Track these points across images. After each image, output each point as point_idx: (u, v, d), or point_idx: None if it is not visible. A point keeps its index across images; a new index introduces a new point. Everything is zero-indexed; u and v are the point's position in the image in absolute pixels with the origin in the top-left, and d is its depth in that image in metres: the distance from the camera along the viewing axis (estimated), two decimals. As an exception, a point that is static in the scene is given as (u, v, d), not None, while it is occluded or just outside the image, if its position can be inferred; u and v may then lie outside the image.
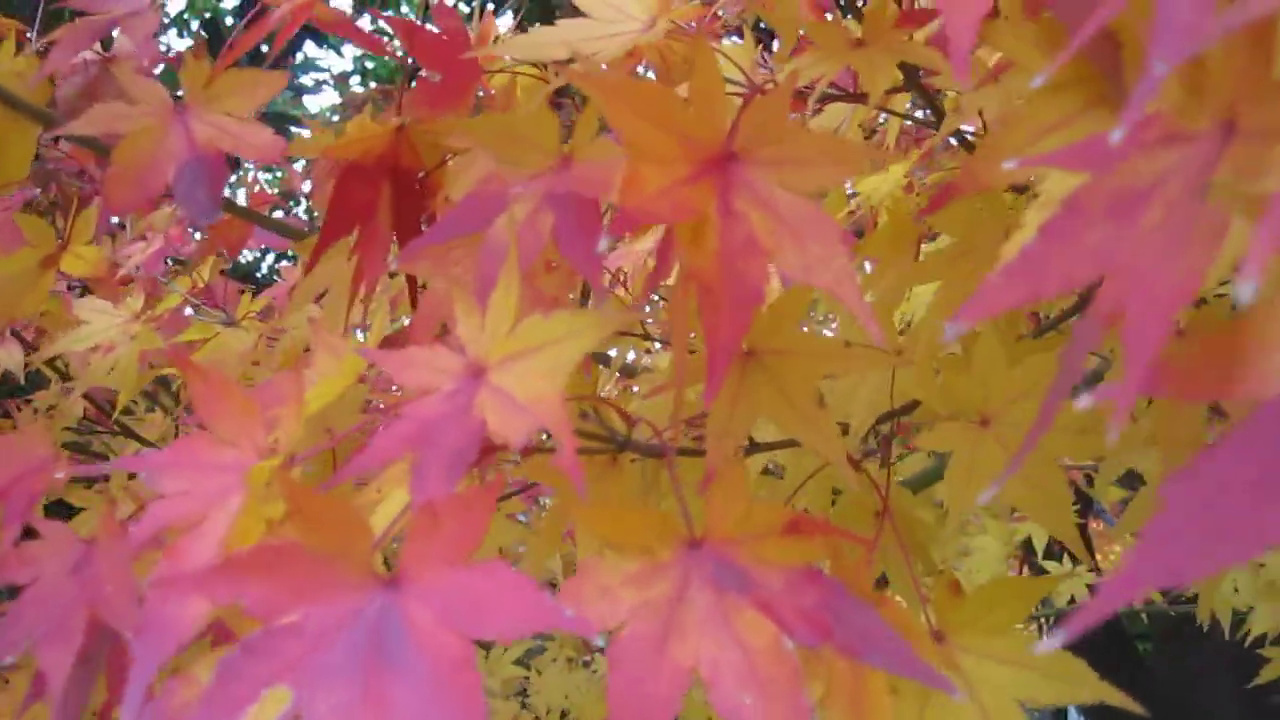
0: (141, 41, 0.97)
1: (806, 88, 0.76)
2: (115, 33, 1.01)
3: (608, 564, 0.52)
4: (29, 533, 0.78)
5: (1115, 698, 0.64)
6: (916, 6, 0.77)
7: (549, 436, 0.67)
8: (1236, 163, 0.35)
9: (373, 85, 6.62)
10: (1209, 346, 0.33)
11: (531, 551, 0.94)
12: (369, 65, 6.70)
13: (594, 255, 0.59)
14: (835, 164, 0.54)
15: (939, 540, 2.02)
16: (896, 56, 0.74)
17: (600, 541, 0.52)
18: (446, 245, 0.70)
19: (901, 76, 0.82)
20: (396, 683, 0.44)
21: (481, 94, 0.88)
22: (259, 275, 5.04)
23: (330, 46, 5.93)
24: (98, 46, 0.98)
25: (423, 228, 0.82)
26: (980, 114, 0.65)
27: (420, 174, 0.81)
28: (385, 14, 0.87)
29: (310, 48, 6.23)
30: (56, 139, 1.06)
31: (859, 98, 0.85)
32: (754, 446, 0.88)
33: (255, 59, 0.82)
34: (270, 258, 5.38)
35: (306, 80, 5.69)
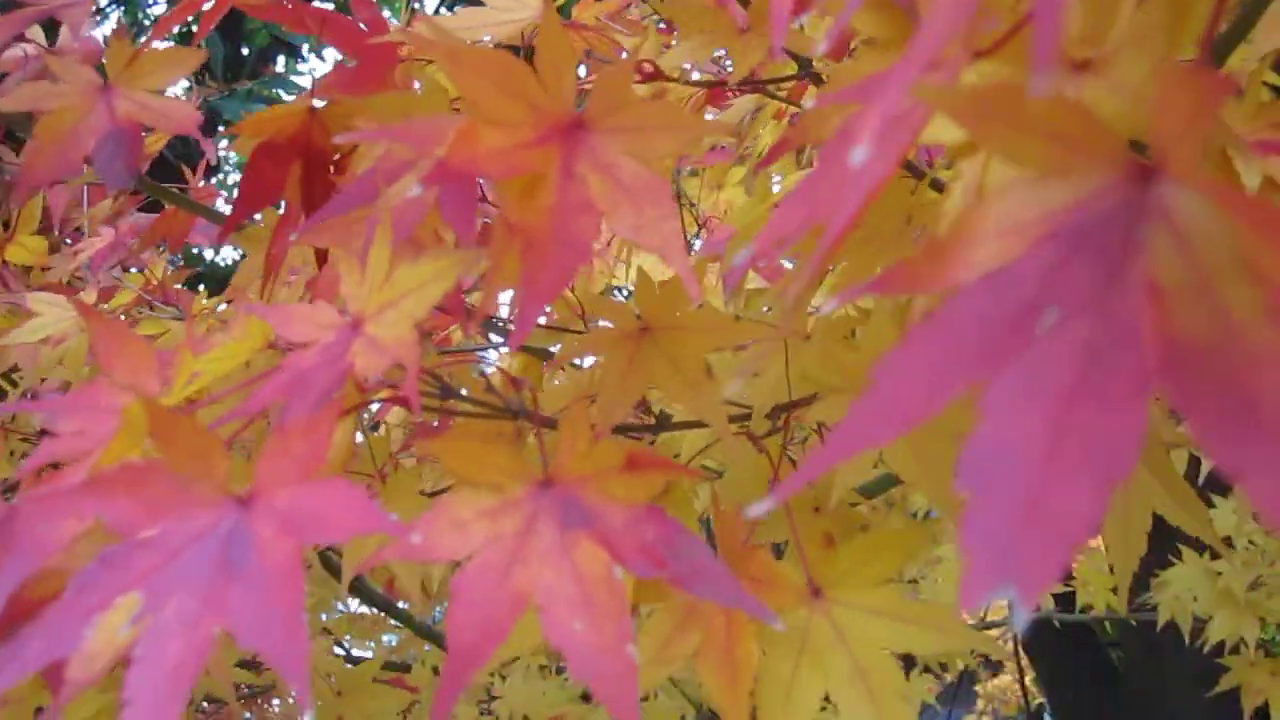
0: (76, 30, 1.01)
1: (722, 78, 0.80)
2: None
3: (462, 498, 0.55)
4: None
5: (988, 648, 0.66)
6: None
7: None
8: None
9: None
10: (928, 249, 0.36)
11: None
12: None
13: (469, 216, 0.63)
14: (679, 131, 0.57)
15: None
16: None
17: (455, 476, 0.55)
18: (349, 219, 0.73)
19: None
20: (236, 588, 0.47)
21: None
22: (225, 266, 5.09)
23: (307, 57, 6.00)
24: (42, 40, 1.02)
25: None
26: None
27: (336, 155, 0.84)
28: (313, 4, 0.91)
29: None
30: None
31: (761, 85, 0.89)
32: (663, 425, 0.91)
33: (233, 64, 0.86)
34: (235, 252, 5.43)
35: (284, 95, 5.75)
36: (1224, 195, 0.30)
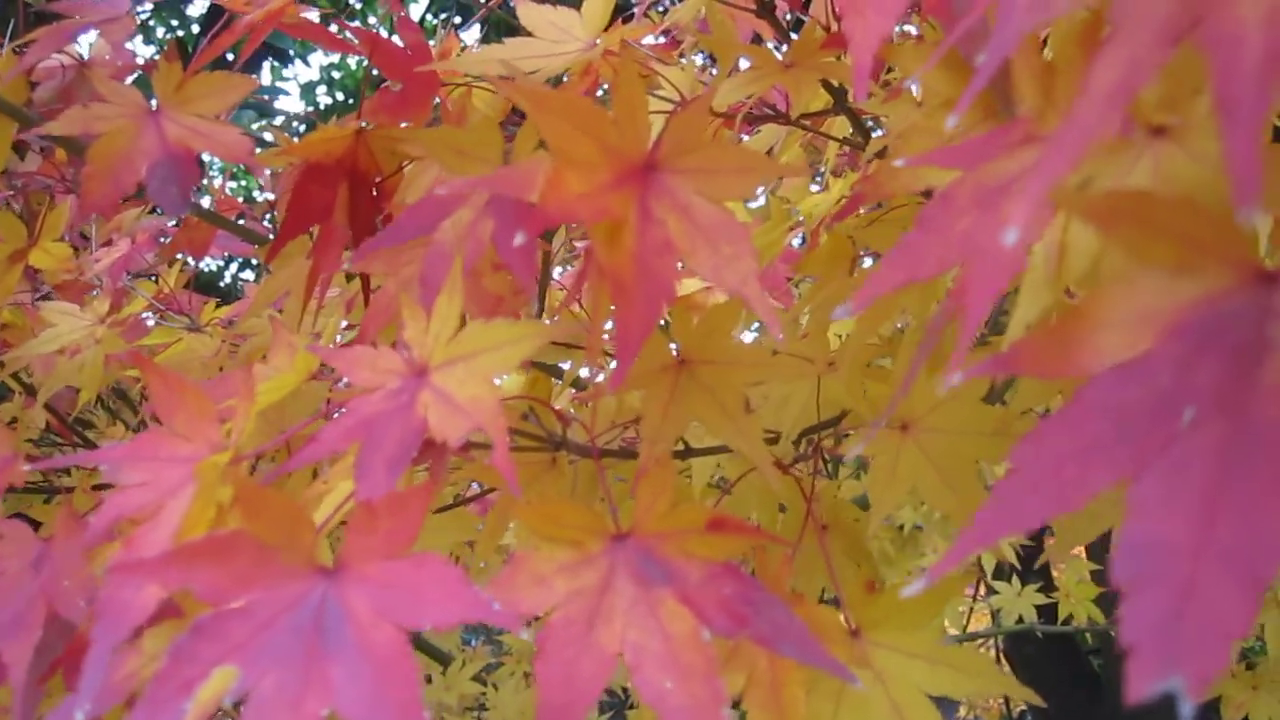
0: (117, 46, 1.01)
1: (739, 106, 0.80)
2: (92, 38, 1.05)
3: (541, 554, 0.55)
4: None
5: (1018, 692, 0.67)
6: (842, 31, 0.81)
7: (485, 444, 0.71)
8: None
9: (339, 96, 6.68)
10: (1052, 331, 0.37)
11: (478, 551, 0.97)
12: (335, 75, 6.76)
13: (530, 259, 0.63)
14: (749, 174, 0.58)
15: (891, 561, 2.06)
16: (821, 75, 0.78)
17: (534, 535, 0.56)
18: (399, 247, 0.73)
19: (831, 99, 0.87)
20: (336, 666, 0.47)
21: (439, 104, 0.91)
22: (222, 285, 5.07)
23: (296, 58, 5.99)
24: (75, 51, 1.01)
25: (378, 229, 0.85)
26: (889, 126, 0.69)
27: (377, 178, 0.84)
28: (352, 24, 0.91)
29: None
30: (27, 148, 1.09)
31: (789, 118, 0.89)
32: (690, 452, 0.92)
33: (218, 68, 0.85)
34: (234, 267, 5.43)
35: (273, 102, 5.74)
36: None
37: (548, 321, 1.07)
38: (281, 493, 0.52)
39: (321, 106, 6.68)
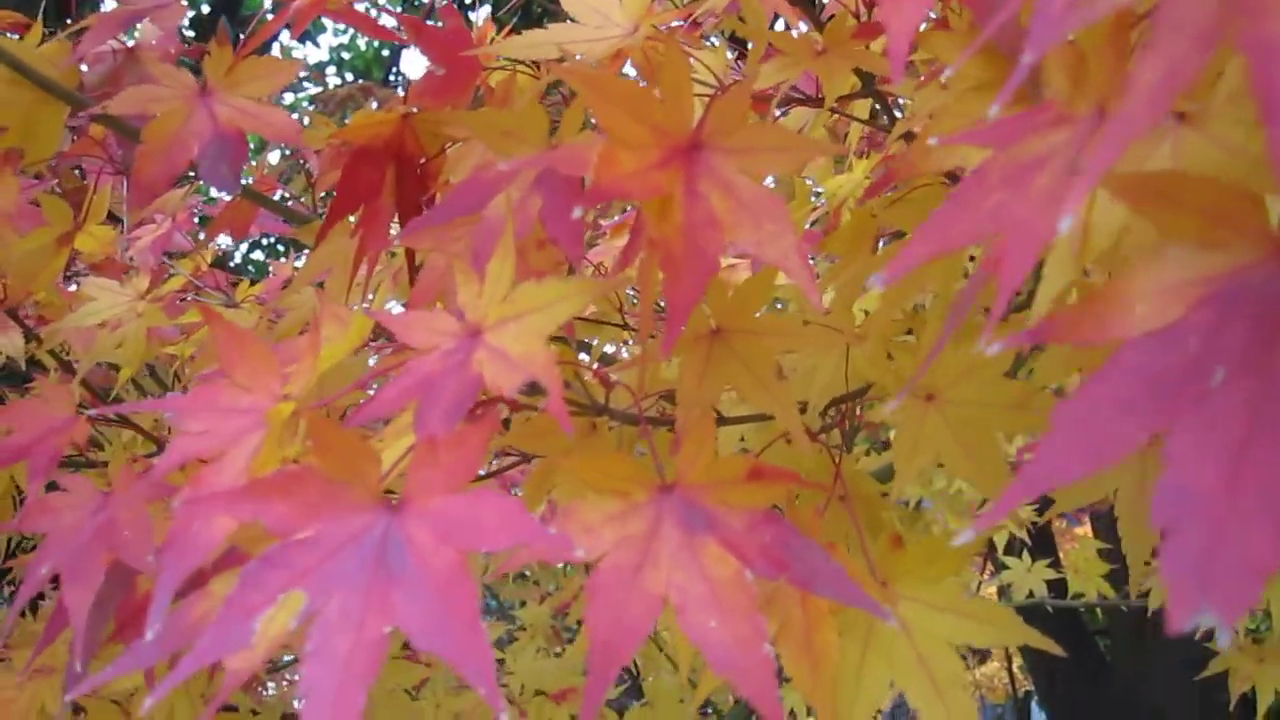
0: (168, 32, 1.04)
1: (771, 90, 0.84)
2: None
3: (589, 504, 0.59)
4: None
5: (1041, 643, 0.70)
6: (874, 20, 0.85)
7: (533, 404, 0.74)
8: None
9: (349, 77, 6.70)
10: (1087, 303, 0.41)
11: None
12: (345, 56, 6.80)
13: (577, 232, 0.67)
14: (788, 153, 0.61)
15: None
16: (853, 63, 0.82)
17: (583, 487, 0.59)
18: (447, 225, 0.77)
19: (859, 83, 0.90)
20: (398, 589, 0.50)
21: (480, 89, 0.94)
22: (232, 264, 5.10)
23: (306, 38, 6.01)
24: (122, 36, 1.04)
25: (423, 209, 0.89)
26: (914, 109, 0.73)
27: (422, 159, 0.88)
28: (394, 10, 0.94)
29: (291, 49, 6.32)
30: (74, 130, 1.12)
31: (819, 102, 0.93)
32: (722, 420, 0.95)
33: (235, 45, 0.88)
34: (244, 247, 5.46)
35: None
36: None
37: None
38: (350, 430, 0.55)
39: (331, 87, 6.70)
